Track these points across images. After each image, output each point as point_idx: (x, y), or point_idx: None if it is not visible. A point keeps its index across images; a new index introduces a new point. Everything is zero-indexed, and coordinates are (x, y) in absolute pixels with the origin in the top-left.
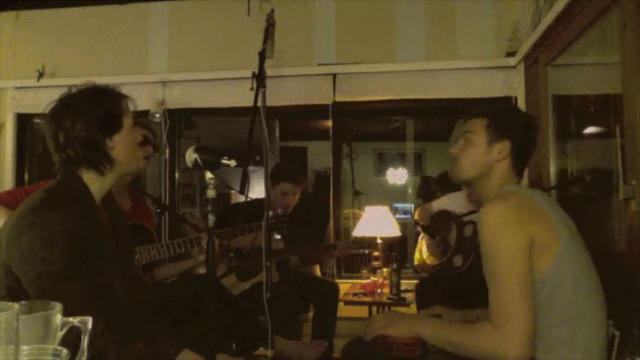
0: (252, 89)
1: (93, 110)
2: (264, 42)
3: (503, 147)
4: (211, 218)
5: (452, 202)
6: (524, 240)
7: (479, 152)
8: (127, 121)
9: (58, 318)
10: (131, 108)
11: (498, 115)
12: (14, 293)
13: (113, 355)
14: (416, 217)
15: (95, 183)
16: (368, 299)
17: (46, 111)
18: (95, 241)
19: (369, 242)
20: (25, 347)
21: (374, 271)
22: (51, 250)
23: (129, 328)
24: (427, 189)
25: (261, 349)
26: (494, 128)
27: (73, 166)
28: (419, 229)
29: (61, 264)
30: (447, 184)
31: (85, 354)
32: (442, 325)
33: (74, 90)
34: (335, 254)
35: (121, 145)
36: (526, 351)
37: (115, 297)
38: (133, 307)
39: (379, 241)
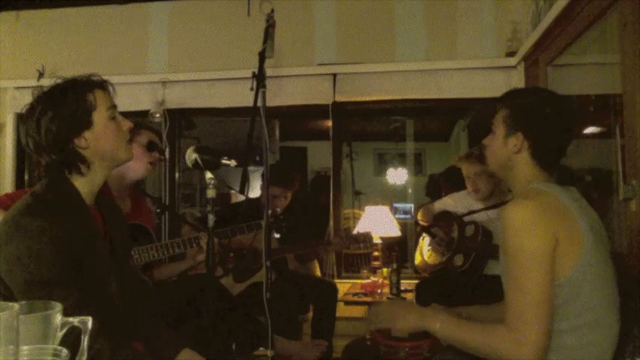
0: (252, 89)
1: (54, 111)
2: (264, 42)
3: (517, 140)
4: (211, 218)
5: (454, 202)
6: (547, 242)
7: (497, 145)
8: (100, 115)
9: (58, 318)
10: (110, 96)
11: (516, 105)
12: (7, 301)
13: (110, 358)
14: (418, 217)
15: (83, 183)
16: (368, 299)
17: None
18: (85, 243)
19: (363, 237)
20: (25, 347)
21: (374, 271)
22: (37, 257)
23: (125, 329)
24: (435, 187)
25: (261, 349)
26: (511, 120)
27: (53, 169)
28: (419, 229)
29: (48, 270)
30: (452, 180)
31: (85, 354)
32: (453, 322)
33: (40, 91)
34: (330, 250)
35: (98, 141)
36: (539, 357)
37: (110, 298)
38: (130, 307)
39: (379, 241)
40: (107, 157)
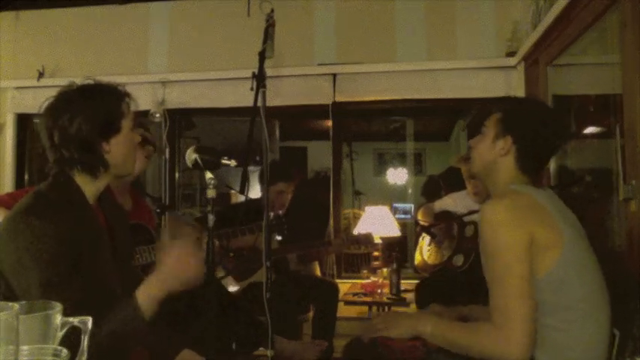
0: (252, 89)
1: (92, 110)
2: (264, 42)
3: (505, 143)
4: (211, 218)
5: (454, 202)
6: (524, 239)
7: (485, 146)
8: (127, 124)
9: (58, 318)
10: (132, 108)
11: (510, 110)
12: (9, 301)
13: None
14: (418, 216)
15: (88, 184)
16: (368, 299)
17: (44, 106)
18: (89, 244)
19: (365, 239)
20: (25, 347)
21: (374, 271)
22: (39, 257)
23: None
24: (432, 188)
25: (261, 349)
26: (502, 123)
27: (66, 167)
28: (419, 229)
29: (50, 271)
30: (452, 180)
31: (85, 354)
32: (443, 324)
33: (74, 86)
34: (331, 251)
35: (118, 148)
36: (526, 351)
37: (112, 298)
38: None
39: (379, 241)
40: (119, 165)
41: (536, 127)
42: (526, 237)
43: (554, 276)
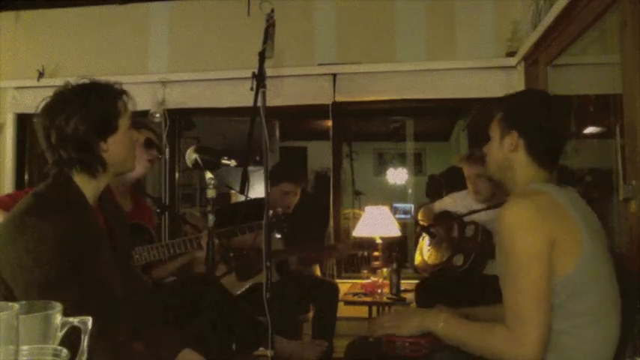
0: (252, 89)
1: (88, 110)
2: (264, 42)
3: (512, 138)
4: (211, 218)
5: (454, 202)
6: (543, 241)
7: (494, 147)
8: (124, 122)
9: (58, 318)
10: (129, 107)
11: (508, 106)
12: (8, 301)
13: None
14: (418, 217)
15: (88, 184)
16: (368, 299)
17: (40, 107)
18: (89, 244)
19: (368, 243)
20: (25, 347)
21: (374, 271)
22: (38, 259)
23: (126, 330)
24: (435, 187)
25: (261, 349)
26: (504, 121)
27: (65, 167)
28: (419, 229)
29: (49, 272)
30: (453, 180)
31: (85, 354)
32: (454, 322)
33: (70, 86)
34: (335, 255)
35: (116, 147)
36: (539, 356)
37: (112, 298)
38: (132, 307)
39: (379, 241)
40: (117, 163)
41: (538, 115)
42: (546, 239)
43: (571, 281)
